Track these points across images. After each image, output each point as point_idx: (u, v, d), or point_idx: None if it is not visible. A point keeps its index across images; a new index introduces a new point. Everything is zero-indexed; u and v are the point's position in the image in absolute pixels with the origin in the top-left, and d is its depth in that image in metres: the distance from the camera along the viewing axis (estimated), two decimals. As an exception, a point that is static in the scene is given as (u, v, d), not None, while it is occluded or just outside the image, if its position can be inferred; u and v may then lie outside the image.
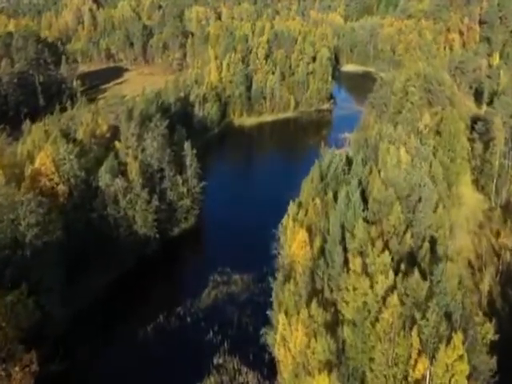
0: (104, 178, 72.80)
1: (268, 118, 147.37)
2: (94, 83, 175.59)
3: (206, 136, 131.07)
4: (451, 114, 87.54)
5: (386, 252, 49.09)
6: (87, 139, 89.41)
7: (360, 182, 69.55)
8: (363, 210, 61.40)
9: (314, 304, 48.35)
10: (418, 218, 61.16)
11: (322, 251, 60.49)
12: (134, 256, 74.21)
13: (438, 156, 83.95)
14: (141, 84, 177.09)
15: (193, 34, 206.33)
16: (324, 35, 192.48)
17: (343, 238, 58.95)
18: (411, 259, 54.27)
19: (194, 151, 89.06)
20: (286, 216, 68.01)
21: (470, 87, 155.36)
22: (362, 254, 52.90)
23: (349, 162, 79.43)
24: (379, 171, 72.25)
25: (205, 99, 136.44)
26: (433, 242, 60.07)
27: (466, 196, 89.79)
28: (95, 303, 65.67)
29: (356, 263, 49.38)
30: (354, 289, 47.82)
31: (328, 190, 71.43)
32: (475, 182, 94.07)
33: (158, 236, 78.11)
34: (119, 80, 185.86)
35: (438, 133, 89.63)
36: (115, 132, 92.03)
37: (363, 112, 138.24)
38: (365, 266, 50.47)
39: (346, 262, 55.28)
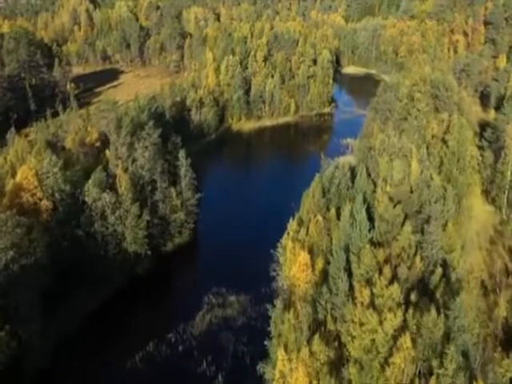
0: (91, 192, 68.00)
1: (267, 122, 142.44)
2: (89, 86, 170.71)
3: (202, 142, 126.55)
4: (459, 122, 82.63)
5: (395, 285, 44.39)
6: (76, 148, 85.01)
7: (365, 198, 64.81)
8: (369, 230, 56.59)
9: (316, 340, 43.57)
10: (428, 240, 56.26)
11: (325, 275, 55.85)
12: (123, 275, 69.54)
13: (446, 166, 79.35)
14: (137, 87, 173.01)
15: (191, 36, 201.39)
16: (325, 37, 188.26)
17: (348, 261, 54.22)
18: (422, 287, 49.55)
19: (189, 160, 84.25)
20: (285, 234, 63.17)
21: (476, 90, 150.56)
22: (368, 282, 48.16)
23: (352, 173, 74.77)
24: (385, 184, 67.59)
25: (202, 103, 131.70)
26: (444, 265, 55.28)
27: (475, 209, 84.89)
28: (81, 329, 60.95)
29: (363, 295, 44.60)
30: (361, 324, 43.10)
31: (330, 206, 66.80)
32: (485, 193, 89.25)
33: (149, 253, 73.41)
34: (115, 83, 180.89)
35: (446, 141, 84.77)
36: (106, 140, 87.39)
37: (366, 117, 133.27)
38: (372, 297, 45.77)
39: (351, 288, 50.66)
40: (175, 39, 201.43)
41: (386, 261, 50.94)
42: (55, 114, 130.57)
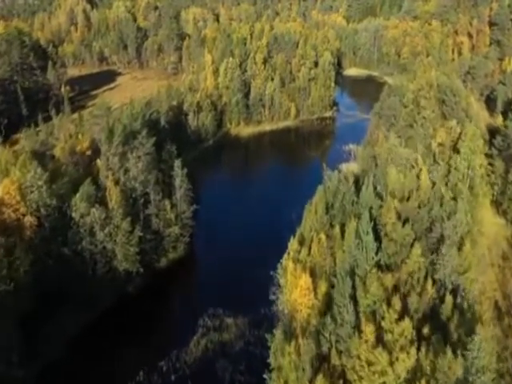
0: (78, 207, 63.79)
1: (267, 127, 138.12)
2: (84, 89, 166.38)
3: (200, 148, 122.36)
4: (469, 130, 78.34)
5: (407, 320, 40.11)
6: (65, 158, 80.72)
7: (371, 213, 60.61)
8: (376, 252, 52.41)
9: (319, 382, 39.37)
10: (441, 262, 52.04)
11: (329, 299, 51.73)
12: (113, 295, 65.39)
13: (455, 177, 75.01)
14: (134, 89, 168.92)
15: (189, 37, 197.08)
16: (326, 38, 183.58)
17: (353, 287, 50.03)
18: (435, 318, 45.36)
19: (185, 170, 79.99)
20: (285, 254, 58.96)
21: (481, 94, 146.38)
22: (375, 313, 43.96)
23: (357, 186, 70.58)
24: (393, 199, 63.41)
25: (199, 107, 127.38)
26: (457, 288, 51.09)
27: (486, 221, 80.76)
28: (66, 356, 56.72)
29: (369, 331, 40.41)
30: (369, 363, 38.89)
31: (334, 222, 62.63)
32: (495, 204, 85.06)
33: (141, 270, 69.23)
34: (111, 85, 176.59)
35: (455, 151, 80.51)
36: (98, 148, 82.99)
37: (369, 122, 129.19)
38: (380, 331, 41.61)
39: (357, 317, 46.49)
40: (173, 40, 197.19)
41: (395, 289, 46.71)
42: (48, 119, 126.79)
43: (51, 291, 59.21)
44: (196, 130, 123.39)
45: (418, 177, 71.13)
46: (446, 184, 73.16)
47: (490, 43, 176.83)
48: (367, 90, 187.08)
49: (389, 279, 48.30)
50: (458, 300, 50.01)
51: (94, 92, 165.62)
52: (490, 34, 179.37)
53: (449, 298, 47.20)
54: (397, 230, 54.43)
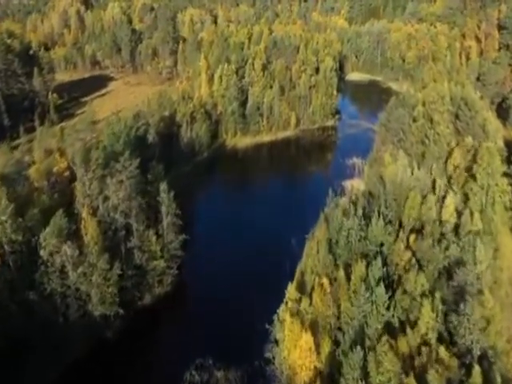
0: (48, 243, 56.00)
1: (265, 137, 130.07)
2: (74, 95, 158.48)
3: (194, 161, 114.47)
4: (485, 152, 70.30)
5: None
6: (40, 180, 72.94)
7: (381, 253, 52.89)
8: (388, 307, 44.56)
9: None
10: (463, 323, 43.99)
11: (332, 359, 44.02)
12: (87, 343, 57.60)
13: (475, 204, 67.03)
14: (126, 96, 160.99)
15: (185, 40, 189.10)
16: (328, 42, 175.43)
17: (362, 347, 42.30)
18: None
19: (172, 193, 72.02)
20: (283, 305, 51.09)
21: (492, 102, 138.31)
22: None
23: (364, 214, 62.80)
24: (407, 235, 55.63)
25: (193, 118, 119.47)
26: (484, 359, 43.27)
27: (504, 246, 72.77)
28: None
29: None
30: None
31: (339, 262, 54.83)
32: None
33: (121, 311, 61.43)
34: (103, 91, 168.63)
35: (471, 173, 72.57)
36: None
37: (373, 132, 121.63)
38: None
39: None
40: (168, 44, 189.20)
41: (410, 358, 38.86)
42: (32, 129, 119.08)
43: (14, 341, 51.61)
44: (189, 142, 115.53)
45: (431, 204, 63.26)
46: (459, 214, 65.12)
47: (499, 48, 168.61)
48: (370, 97, 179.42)
49: (403, 345, 40.60)
50: (485, 365, 42.26)
51: (85, 99, 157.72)
52: (499, 38, 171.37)
53: (476, 371, 39.41)
54: (410, 280, 46.74)
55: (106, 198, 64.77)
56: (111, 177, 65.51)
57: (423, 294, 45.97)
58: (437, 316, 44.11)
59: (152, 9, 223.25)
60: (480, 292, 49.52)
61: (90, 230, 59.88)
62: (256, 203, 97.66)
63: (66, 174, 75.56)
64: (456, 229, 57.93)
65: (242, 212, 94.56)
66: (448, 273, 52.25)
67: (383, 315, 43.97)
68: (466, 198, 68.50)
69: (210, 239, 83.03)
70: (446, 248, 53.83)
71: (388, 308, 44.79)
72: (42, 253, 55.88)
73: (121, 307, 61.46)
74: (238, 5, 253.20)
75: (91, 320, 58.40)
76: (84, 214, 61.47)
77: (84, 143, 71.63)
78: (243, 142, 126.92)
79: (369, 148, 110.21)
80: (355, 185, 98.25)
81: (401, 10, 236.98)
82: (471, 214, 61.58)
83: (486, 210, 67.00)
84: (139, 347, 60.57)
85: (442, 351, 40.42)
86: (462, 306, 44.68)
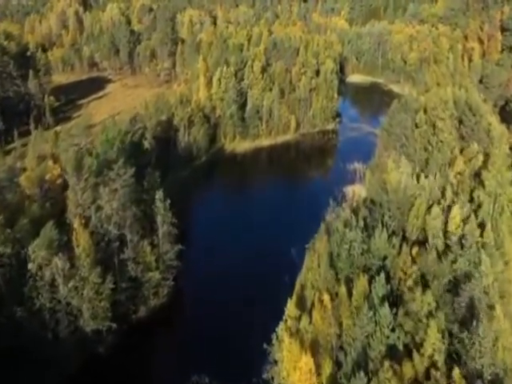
0: (37, 256, 53.76)
1: (265, 141, 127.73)
2: (71, 97, 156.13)
3: (192, 166, 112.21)
4: (495, 160, 68.10)
5: None
6: (32, 188, 70.71)
7: (384, 267, 50.67)
8: (393, 329, 42.27)
9: None
10: (473, 347, 41.64)
11: (333, 381, 41.83)
12: (78, 360, 55.32)
13: (483, 213, 64.42)
14: (123, 99, 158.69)
15: (183, 41, 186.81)
16: (328, 43, 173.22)
17: (365, 372, 40.07)
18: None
19: (168, 202, 69.59)
20: (281, 323, 48.81)
21: (495, 105, 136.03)
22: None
23: (365, 225, 60.60)
24: (411, 247, 53.41)
25: (191, 121, 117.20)
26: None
27: None
28: None
29: None
30: None
31: (340, 276, 52.60)
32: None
33: (114, 326, 59.15)
34: (100, 93, 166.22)
35: (478, 180, 70.31)
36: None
37: (375, 136, 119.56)
38: None
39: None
40: (167, 45, 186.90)
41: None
42: (28, 133, 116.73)
43: (5, 355, 49.39)
44: (187, 146, 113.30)
45: (437, 215, 60.98)
46: (463, 224, 62.71)
47: (502, 49, 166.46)
48: (371, 99, 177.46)
49: (408, 370, 38.36)
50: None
51: (82, 101, 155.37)
52: (502, 40, 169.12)
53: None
54: (416, 299, 44.49)
55: (99, 208, 62.54)
56: (104, 185, 63.27)
57: (430, 314, 43.71)
58: (443, 337, 41.91)
59: (151, 9, 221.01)
60: (489, 307, 47.26)
61: (81, 241, 57.61)
62: (255, 209, 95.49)
63: (59, 181, 73.35)
64: (462, 240, 55.59)
65: (241, 218, 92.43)
66: (455, 287, 50.00)
67: (387, 337, 41.77)
68: (473, 207, 65.99)
69: (207, 247, 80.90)
70: (453, 261, 51.56)
71: (393, 330, 42.52)
72: (30, 266, 53.59)
73: (114, 321, 59.16)
74: (237, 6, 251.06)
75: (83, 335, 56.15)
76: (76, 224, 59.22)
77: (76, 150, 69.11)
78: (242, 146, 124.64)
79: (370, 152, 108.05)
80: (356, 191, 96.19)
81: (402, 11, 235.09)
82: (481, 224, 59.22)
83: (493, 219, 64.66)
84: (133, 362, 58.24)
85: (457, 374, 38.09)
86: (470, 324, 42.48)
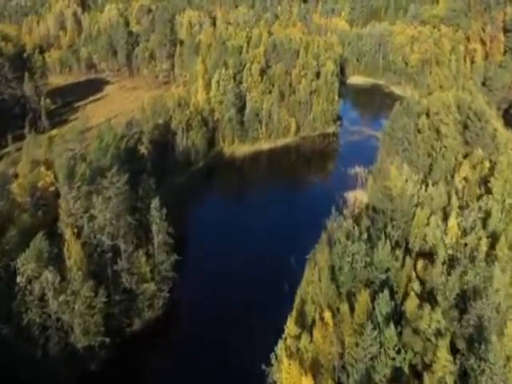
0: (26, 269, 51.58)
1: (264, 145, 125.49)
2: (68, 100, 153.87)
3: (189, 171, 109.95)
4: (502, 167, 65.83)
5: None
6: (24, 196, 68.51)
7: (387, 282, 48.45)
8: (398, 351, 40.02)
9: None
10: (484, 372, 39.37)
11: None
12: (69, 378, 53.02)
13: (492, 223, 61.67)
14: (121, 101, 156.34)
15: (182, 43, 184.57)
16: (329, 45, 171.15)
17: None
18: None
19: (165, 211, 67.42)
20: (281, 342, 46.55)
21: (498, 108, 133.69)
22: None
23: (369, 235, 58.43)
24: (415, 259, 51.21)
25: (189, 125, 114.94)
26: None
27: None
28: None
29: None
30: None
31: (342, 291, 50.39)
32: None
33: (107, 340, 56.92)
34: (98, 95, 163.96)
35: (484, 187, 67.96)
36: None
37: (376, 140, 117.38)
38: None
39: None
40: (165, 46, 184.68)
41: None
42: (22, 137, 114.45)
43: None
44: (185, 150, 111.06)
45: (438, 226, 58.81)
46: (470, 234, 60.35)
47: (505, 51, 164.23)
48: (372, 101, 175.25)
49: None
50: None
51: (79, 104, 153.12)
52: (505, 41, 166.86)
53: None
54: (424, 318, 42.26)
55: (92, 218, 60.36)
56: (98, 194, 61.16)
57: (439, 333, 41.46)
58: (455, 358, 39.69)
59: (150, 10, 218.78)
60: (500, 325, 44.98)
61: (73, 253, 55.46)
62: (254, 215, 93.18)
63: (52, 188, 71.15)
64: (471, 252, 53.37)
65: (240, 224, 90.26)
66: (462, 302, 47.81)
67: (393, 359, 39.59)
68: (480, 215, 63.56)
69: (205, 256, 78.60)
70: (461, 275, 49.29)
71: (398, 351, 40.30)
72: (19, 279, 51.40)
73: (107, 335, 56.87)
74: (237, 6, 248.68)
75: (74, 351, 53.91)
76: (67, 235, 57.06)
77: (70, 155, 66.98)
78: (241, 149, 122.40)
79: (372, 156, 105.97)
80: (358, 197, 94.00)
81: (402, 11, 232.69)
82: (491, 235, 56.80)
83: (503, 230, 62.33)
84: (125, 379, 56.18)
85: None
86: (479, 344, 40.29)
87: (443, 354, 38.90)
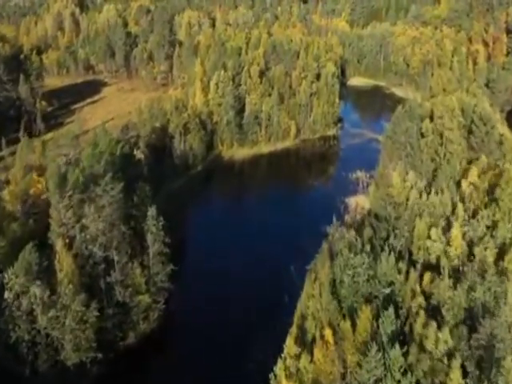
0: (14, 284, 49.38)
1: (264, 148, 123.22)
2: (65, 102, 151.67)
3: (187, 175, 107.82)
4: (510, 174, 63.58)
5: None
6: (15, 204, 66.39)
7: (391, 298, 46.26)
8: (404, 372, 37.86)
9: None
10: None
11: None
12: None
13: (499, 233, 59.25)
14: (118, 103, 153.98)
15: (181, 44, 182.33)
16: (329, 46, 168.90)
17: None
18: None
19: (162, 221, 65.00)
20: (279, 362, 44.32)
21: (502, 110, 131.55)
22: None
23: (372, 246, 56.27)
24: (417, 276, 48.99)
25: (187, 128, 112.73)
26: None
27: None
28: None
29: None
30: None
31: (344, 306, 48.18)
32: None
33: (100, 356, 54.78)
34: (95, 97, 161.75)
35: (491, 196, 65.65)
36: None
37: (378, 143, 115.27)
38: None
39: None
40: (164, 48, 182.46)
41: None
42: (17, 141, 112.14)
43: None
44: (183, 154, 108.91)
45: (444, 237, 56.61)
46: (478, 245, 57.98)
47: (508, 52, 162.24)
48: (373, 103, 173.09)
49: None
50: None
51: (76, 106, 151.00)
52: (508, 42, 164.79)
53: None
54: (429, 336, 40.12)
55: (84, 228, 58.16)
56: (90, 202, 58.97)
57: (450, 354, 39.21)
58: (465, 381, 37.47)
59: (148, 11, 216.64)
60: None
61: (64, 265, 53.28)
62: (254, 220, 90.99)
63: (44, 196, 68.96)
64: (480, 265, 51.17)
65: (239, 230, 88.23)
66: (470, 319, 45.60)
67: (399, 381, 37.43)
68: (489, 225, 61.18)
69: (202, 264, 76.25)
70: (469, 290, 47.09)
71: (404, 372, 38.14)
72: (7, 294, 49.21)
73: (99, 350, 54.74)
74: (236, 7, 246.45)
75: (64, 369, 51.71)
76: (58, 246, 54.86)
77: (64, 161, 64.83)
78: (240, 153, 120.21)
79: (373, 159, 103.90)
80: (360, 202, 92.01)
81: (403, 12, 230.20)
82: (499, 247, 54.56)
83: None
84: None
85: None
86: (491, 368, 38.10)
87: (456, 375, 36.72)
